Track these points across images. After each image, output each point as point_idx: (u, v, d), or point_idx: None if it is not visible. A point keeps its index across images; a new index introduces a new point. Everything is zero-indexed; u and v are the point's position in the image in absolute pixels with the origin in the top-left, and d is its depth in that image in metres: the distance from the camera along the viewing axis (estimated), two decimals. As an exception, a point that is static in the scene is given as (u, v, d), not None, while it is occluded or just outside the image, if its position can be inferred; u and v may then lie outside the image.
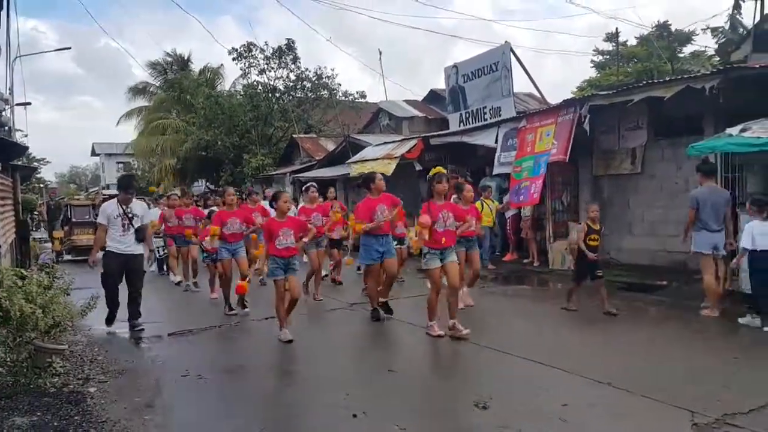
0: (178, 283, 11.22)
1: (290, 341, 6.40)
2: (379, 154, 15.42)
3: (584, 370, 5.07)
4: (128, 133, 50.06)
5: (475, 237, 7.93)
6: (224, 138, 25.91)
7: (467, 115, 14.44)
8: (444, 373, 5.68)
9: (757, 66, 8.31)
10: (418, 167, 14.38)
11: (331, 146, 21.99)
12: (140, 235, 7.37)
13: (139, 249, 7.45)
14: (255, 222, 8.49)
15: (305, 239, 6.96)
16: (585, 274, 7.51)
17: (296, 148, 24.05)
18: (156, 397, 4.96)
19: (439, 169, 6.74)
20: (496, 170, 12.18)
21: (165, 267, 12.84)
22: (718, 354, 5.71)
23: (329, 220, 9.20)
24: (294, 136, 24.62)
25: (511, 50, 13.18)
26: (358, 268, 10.44)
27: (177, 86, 32.42)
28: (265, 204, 12.20)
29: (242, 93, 28.03)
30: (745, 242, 6.51)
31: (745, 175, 8.31)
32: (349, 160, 16.75)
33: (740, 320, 6.60)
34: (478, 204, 9.65)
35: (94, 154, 59.36)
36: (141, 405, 4.75)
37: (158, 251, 12.29)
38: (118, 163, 51.88)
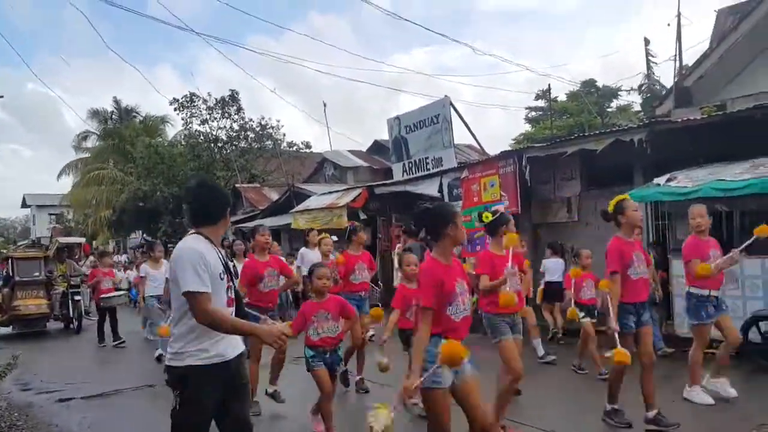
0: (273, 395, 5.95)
1: None
2: (323, 204, 15.47)
3: (530, 419, 5.10)
4: (63, 185, 48.11)
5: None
6: (163, 188, 25.43)
7: (410, 165, 14.72)
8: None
9: (680, 120, 8.88)
10: (363, 216, 14.47)
11: (275, 196, 21.90)
12: (244, 308, 3.66)
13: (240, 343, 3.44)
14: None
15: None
16: None
17: (239, 197, 23.82)
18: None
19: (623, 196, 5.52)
20: (445, 221, 12.34)
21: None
22: (661, 396, 5.83)
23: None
24: (237, 185, 24.42)
25: (451, 104, 13.62)
26: None
27: (116, 135, 31.84)
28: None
29: (183, 143, 27.72)
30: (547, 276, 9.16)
31: (673, 222, 8.73)
32: (293, 210, 16.71)
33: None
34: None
35: (24, 205, 56.23)
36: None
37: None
38: (50, 214, 49.49)
